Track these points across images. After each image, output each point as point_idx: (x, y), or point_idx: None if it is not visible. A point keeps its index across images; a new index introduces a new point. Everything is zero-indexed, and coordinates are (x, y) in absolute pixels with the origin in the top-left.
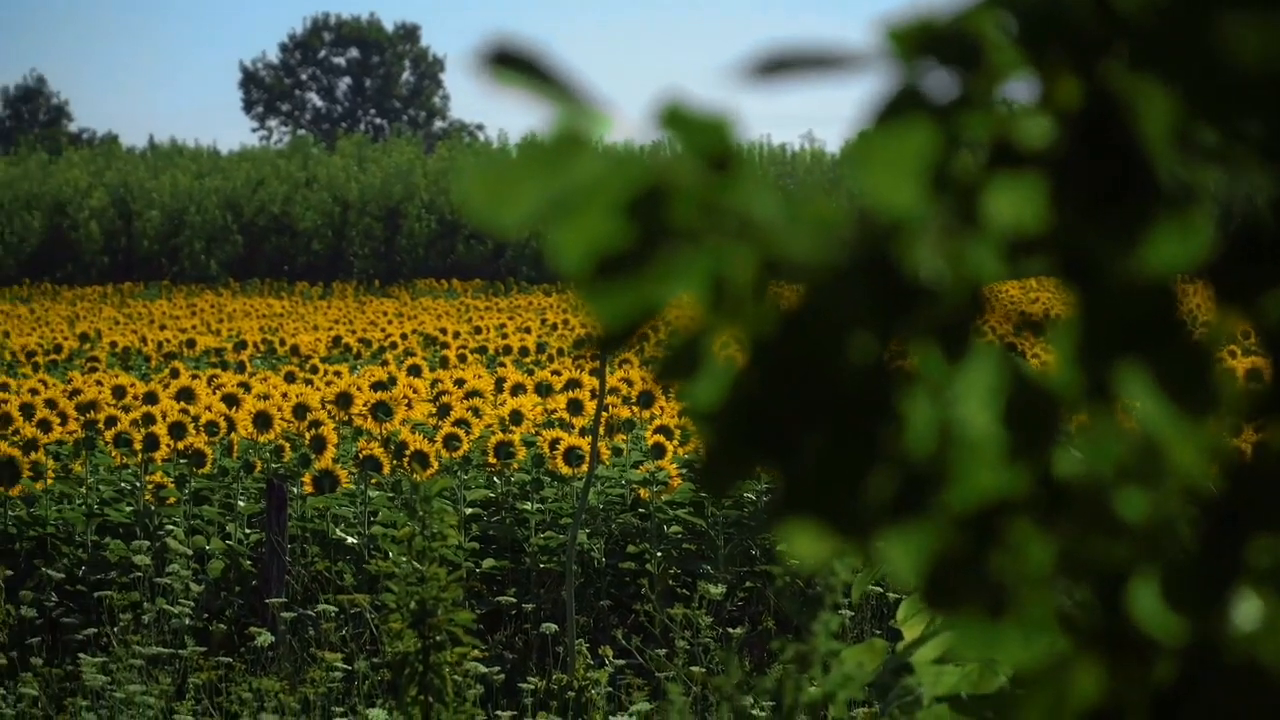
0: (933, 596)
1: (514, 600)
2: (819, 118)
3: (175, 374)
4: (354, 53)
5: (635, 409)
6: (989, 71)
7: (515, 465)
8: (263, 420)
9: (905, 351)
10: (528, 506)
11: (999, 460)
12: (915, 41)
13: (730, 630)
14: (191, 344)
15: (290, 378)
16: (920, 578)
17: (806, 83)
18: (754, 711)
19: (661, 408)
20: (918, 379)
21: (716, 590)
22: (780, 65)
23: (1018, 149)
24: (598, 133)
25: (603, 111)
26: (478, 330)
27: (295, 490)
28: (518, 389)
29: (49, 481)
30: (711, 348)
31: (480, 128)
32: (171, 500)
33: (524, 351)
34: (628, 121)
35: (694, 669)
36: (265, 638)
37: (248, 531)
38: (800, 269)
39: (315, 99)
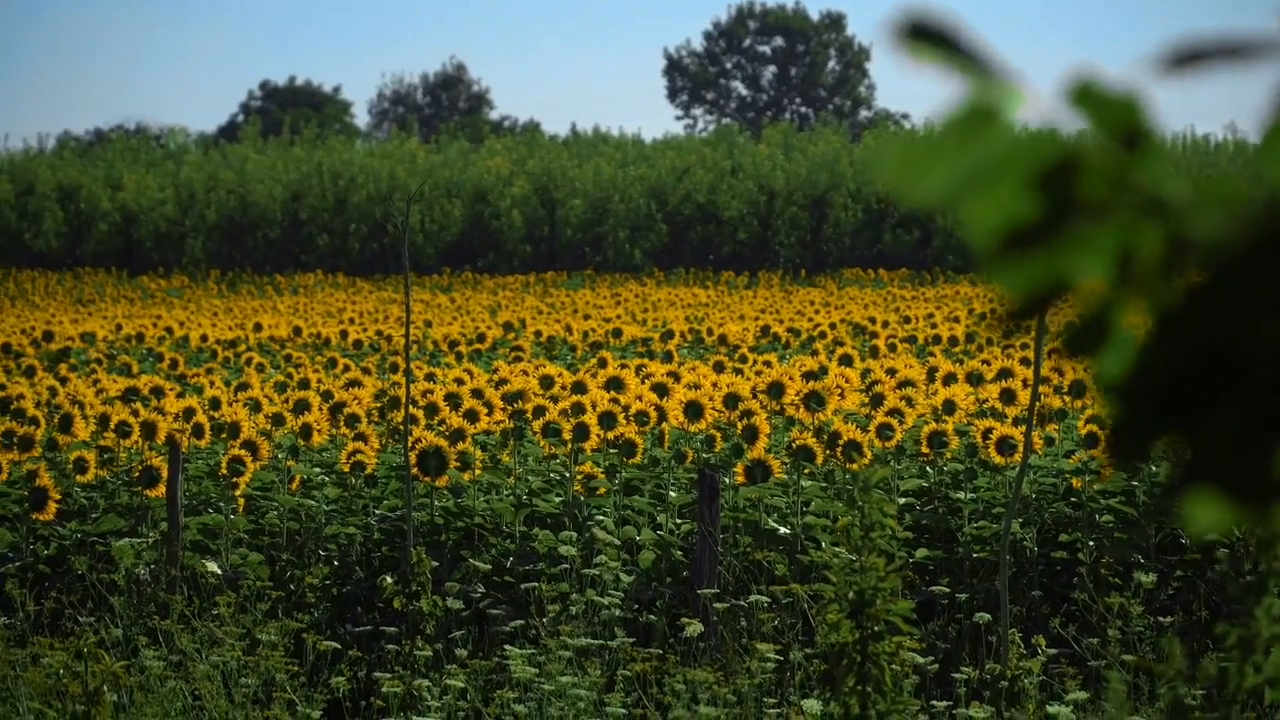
0: None
1: (947, 590)
2: (1243, 108)
3: (603, 363)
4: (779, 41)
5: (1067, 398)
6: None
7: (948, 455)
8: (693, 410)
9: None
10: (961, 496)
11: None
12: None
13: (1162, 619)
14: (618, 333)
15: (719, 367)
16: None
17: (1219, 73)
18: (1189, 700)
19: (1094, 397)
20: None
21: (1148, 579)
22: (1192, 57)
23: None
24: (1009, 107)
25: (1014, 86)
26: (906, 320)
27: (727, 480)
28: (949, 378)
29: (476, 472)
30: (1119, 321)
31: (906, 116)
32: (601, 491)
33: (953, 341)
34: (1038, 98)
35: (1128, 657)
36: (696, 628)
37: (678, 522)
38: (1208, 245)
39: (740, 87)
